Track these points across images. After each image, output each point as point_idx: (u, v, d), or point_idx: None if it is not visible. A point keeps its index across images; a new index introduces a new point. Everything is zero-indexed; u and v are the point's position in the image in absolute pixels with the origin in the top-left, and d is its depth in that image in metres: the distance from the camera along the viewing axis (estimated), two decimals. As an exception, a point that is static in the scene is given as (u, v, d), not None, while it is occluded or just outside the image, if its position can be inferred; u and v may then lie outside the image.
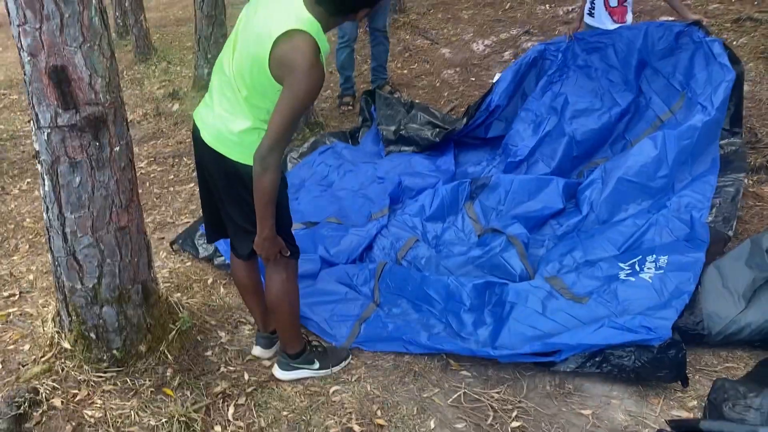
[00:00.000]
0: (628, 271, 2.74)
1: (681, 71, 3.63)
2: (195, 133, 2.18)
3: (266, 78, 1.90)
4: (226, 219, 2.26)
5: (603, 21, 4.01)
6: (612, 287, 2.67)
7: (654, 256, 2.77)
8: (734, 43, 5.00)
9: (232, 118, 2.03)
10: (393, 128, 4.35)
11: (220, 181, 2.14)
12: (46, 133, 2.07)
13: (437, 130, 4.23)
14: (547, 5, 6.67)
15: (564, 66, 4.11)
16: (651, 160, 3.25)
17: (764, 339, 2.47)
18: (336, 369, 2.55)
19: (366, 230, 3.40)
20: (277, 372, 2.51)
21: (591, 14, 4.10)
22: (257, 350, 2.63)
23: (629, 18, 4.00)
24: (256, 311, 2.56)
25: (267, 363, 2.60)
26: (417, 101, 4.81)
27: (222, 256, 3.25)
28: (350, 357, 2.62)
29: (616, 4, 3.96)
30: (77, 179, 2.14)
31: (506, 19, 6.58)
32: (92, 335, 2.38)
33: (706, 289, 2.58)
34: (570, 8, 6.38)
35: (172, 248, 3.48)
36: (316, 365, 2.51)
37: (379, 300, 2.94)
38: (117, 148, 2.20)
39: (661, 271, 2.66)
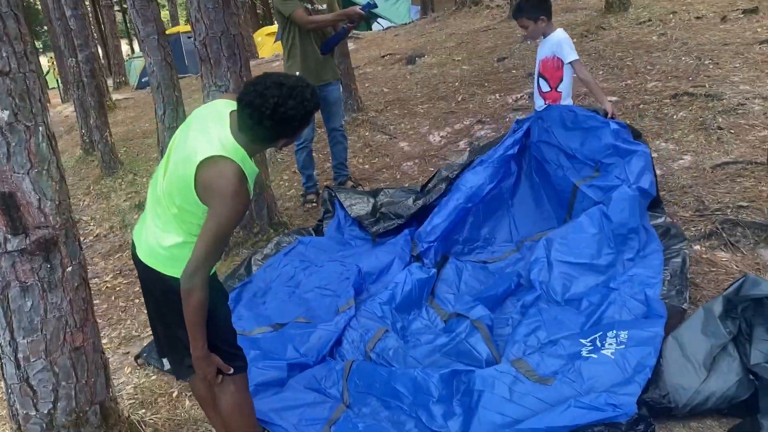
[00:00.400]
0: (590, 348, 2.75)
1: (591, 149, 3.84)
2: (132, 250, 2.22)
3: (193, 198, 1.97)
4: (168, 336, 2.26)
5: (540, 105, 4.24)
6: (576, 366, 2.67)
7: (614, 332, 2.79)
8: (674, 116, 5.27)
9: (163, 234, 2.08)
10: (368, 210, 4.43)
11: (159, 298, 2.15)
12: (-4, 260, 2.09)
13: (413, 197, 4.37)
14: (497, 95, 7.00)
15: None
16: (592, 239, 3.37)
17: (731, 406, 2.47)
18: None
19: (334, 324, 3.40)
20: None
21: (534, 98, 4.35)
22: (222, 464, 2.54)
23: (566, 103, 4.18)
24: (217, 425, 2.50)
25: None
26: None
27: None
28: None
29: (548, 90, 4.19)
30: (29, 303, 2.14)
31: (459, 110, 6.87)
32: (49, 463, 2.30)
33: (668, 361, 2.59)
34: (518, 96, 6.70)
35: (136, 362, 3.42)
36: None
37: (348, 400, 2.90)
38: (69, 269, 2.22)
39: (623, 347, 2.68)
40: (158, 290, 2.15)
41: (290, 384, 3.03)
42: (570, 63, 4.01)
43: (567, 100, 4.14)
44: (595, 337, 2.80)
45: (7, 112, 1.99)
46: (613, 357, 2.64)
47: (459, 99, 7.21)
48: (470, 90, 7.41)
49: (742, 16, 7.80)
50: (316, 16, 4.89)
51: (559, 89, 4.13)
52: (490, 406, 2.60)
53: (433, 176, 4.54)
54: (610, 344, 2.72)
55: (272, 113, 1.91)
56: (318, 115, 5.35)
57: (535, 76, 4.24)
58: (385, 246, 4.20)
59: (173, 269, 2.05)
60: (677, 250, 3.26)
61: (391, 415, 2.77)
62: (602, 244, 3.42)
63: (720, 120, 5.04)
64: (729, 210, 3.84)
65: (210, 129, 1.99)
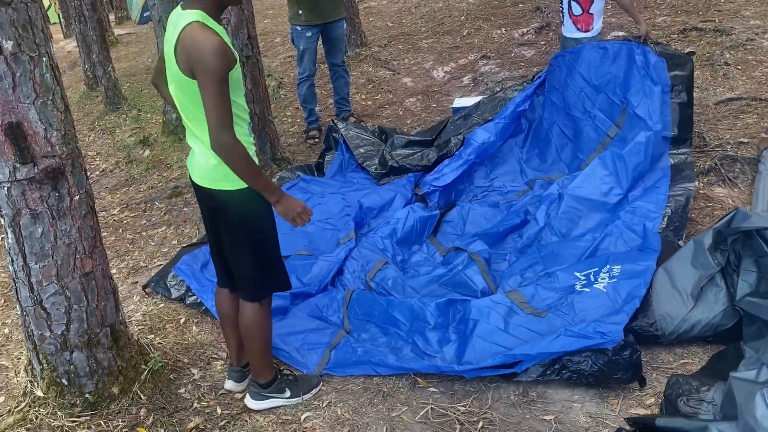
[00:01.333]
0: (584, 282, 2.84)
1: (619, 86, 3.82)
2: (190, 178, 2.34)
3: (191, 87, 2.05)
4: (229, 255, 2.39)
5: (570, 30, 4.23)
6: (569, 300, 2.77)
7: (608, 266, 2.87)
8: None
9: (208, 150, 2.14)
10: (377, 161, 4.42)
11: (217, 217, 2.31)
12: (6, 188, 2.15)
13: (422, 151, 4.36)
14: (502, 29, 6.90)
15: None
16: (604, 180, 3.41)
17: (716, 334, 2.57)
18: (307, 396, 2.61)
19: (335, 255, 3.50)
20: (250, 402, 2.56)
21: (563, 24, 4.30)
22: (229, 384, 2.68)
23: (597, 26, 4.19)
24: (231, 343, 2.62)
25: (239, 396, 2.65)
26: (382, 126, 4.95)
27: (194, 295, 3.32)
28: (321, 384, 2.69)
29: (580, 13, 4.14)
30: (39, 230, 2.22)
31: (464, 45, 6.78)
32: (64, 381, 2.43)
33: (657, 291, 2.68)
34: (524, 30, 6.60)
35: (144, 291, 3.54)
36: (288, 393, 2.57)
37: (349, 327, 3.02)
38: (77, 197, 2.29)
39: (614, 280, 2.76)
40: (214, 208, 2.29)
41: (293, 312, 3.14)
42: None
43: (598, 23, 4.16)
44: (590, 272, 2.87)
45: (11, 42, 2.02)
46: (605, 291, 2.73)
47: (464, 33, 7.11)
48: (476, 24, 7.29)
49: (758, -53, 7.57)
50: None
51: (590, 11, 4.11)
52: (484, 335, 2.70)
53: (444, 126, 4.50)
54: (603, 278, 2.80)
55: None
56: (320, 50, 5.31)
57: (564, 0, 4.18)
58: (387, 185, 4.25)
59: (225, 182, 2.18)
60: (682, 190, 3.31)
61: (389, 340, 2.89)
62: (613, 185, 3.48)
63: (727, 56, 4.99)
64: (729, 146, 3.86)
65: (172, 23, 2.10)
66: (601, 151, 3.76)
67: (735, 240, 2.61)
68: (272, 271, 2.41)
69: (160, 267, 3.79)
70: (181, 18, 2.06)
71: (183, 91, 2.10)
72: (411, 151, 4.38)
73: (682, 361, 2.55)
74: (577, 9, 4.14)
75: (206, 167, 2.20)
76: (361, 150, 4.52)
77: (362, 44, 7.33)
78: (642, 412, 2.34)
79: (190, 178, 2.33)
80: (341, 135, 4.63)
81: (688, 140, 3.64)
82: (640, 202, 3.31)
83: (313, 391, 2.64)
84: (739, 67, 4.82)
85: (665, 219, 3.17)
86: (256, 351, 2.48)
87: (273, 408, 2.56)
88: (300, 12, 4.95)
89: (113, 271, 3.58)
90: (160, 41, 5.71)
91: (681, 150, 3.57)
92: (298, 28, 5.03)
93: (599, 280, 2.81)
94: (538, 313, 2.78)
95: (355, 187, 4.34)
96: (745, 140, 3.92)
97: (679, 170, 3.47)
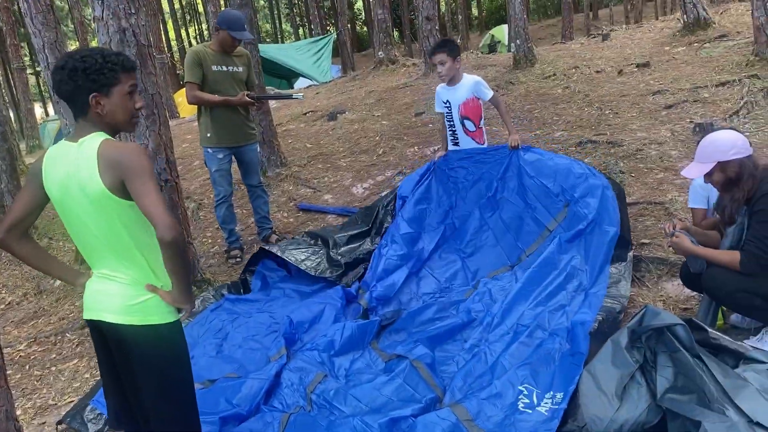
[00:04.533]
0: (527, 401, 2.85)
1: (560, 181, 4.22)
2: (91, 323, 2.24)
3: (119, 205, 2.06)
4: (145, 397, 2.23)
5: (469, 146, 4.60)
6: (511, 420, 2.76)
7: (552, 393, 2.88)
8: (580, 164, 5.63)
9: (129, 281, 2.14)
10: (327, 265, 4.51)
11: (136, 355, 2.17)
12: None
13: (364, 240, 4.69)
14: (415, 147, 7.26)
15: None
16: (548, 273, 3.83)
17: (644, 431, 2.62)
18: None
19: (265, 372, 3.38)
20: None
21: (456, 144, 4.63)
22: None
23: (485, 138, 4.64)
24: None
25: None
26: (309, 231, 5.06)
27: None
28: None
29: (474, 129, 4.50)
30: (-63, 372, 2.05)
31: (380, 162, 7.06)
32: None
33: (584, 393, 2.72)
34: (436, 147, 6.96)
35: (57, 429, 3.28)
36: None
37: (287, 456, 2.87)
38: (-19, 334, 2.15)
39: (557, 406, 2.78)
40: (127, 348, 2.16)
41: (224, 440, 2.97)
42: (490, 100, 4.45)
43: (484, 132, 4.62)
44: (534, 391, 2.90)
45: None
46: (546, 414, 2.75)
47: (380, 152, 7.43)
48: (390, 143, 7.65)
49: (636, 69, 8.48)
50: (203, 94, 4.92)
51: (480, 125, 4.55)
52: (432, 454, 2.64)
53: (376, 213, 4.90)
54: (546, 403, 2.83)
55: (69, 75, 2.05)
56: (237, 171, 5.39)
57: (456, 122, 4.52)
58: (315, 297, 4.23)
59: (155, 317, 2.14)
60: (617, 299, 3.53)
61: (331, 465, 2.76)
62: (554, 277, 3.77)
63: (621, 165, 5.42)
64: (633, 247, 4.11)
65: (65, 154, 2.11)
66: (541, 242, 4.00)
67: (648, 337, 2.72)
68: (191, 415, 2.31)
69: (72, 404, 3.54)
70: (82, 146, 2.07)
71: (104, 215, 2.07)
72: (356, 245, 4.65)
73: (615, 462, 2.56)
74: (471, 126, 4.54)
75: (128, 302, 2.13)
76: (308, 263, 4.54)
77: (282, 164, 7.50)
78: None
79: (90, 318, 2.23)
80: (281, 258, 4.64)
81: (629, 243, 3.93)
82: (583, 308, 3.45)
83: None
84: (633, 174, 5.24)
85: (595, 324, 3.27)
86: None
87: None
88: (209, 135, 5.02)
89: (18, 411, 3.31)
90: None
91: (619, 265, 3.80)
92: (210, 150, 5.06)
93: (542, 404, 2.83)
94: None
95: (281, 302, 4.28)
96: (647, 241, 4.19)
97: (617, 280, 3.69)
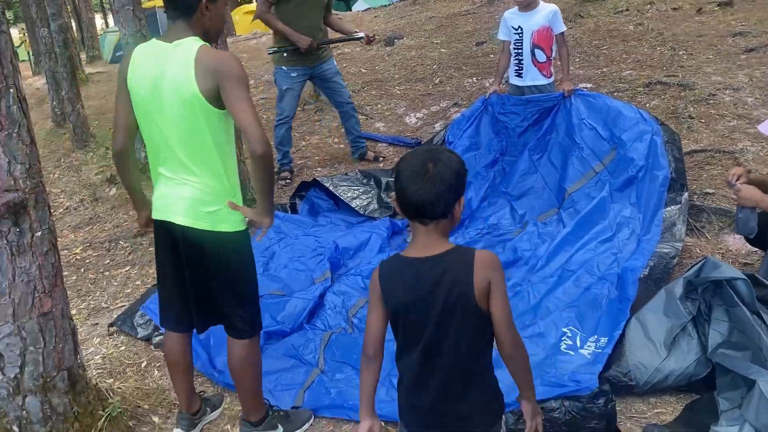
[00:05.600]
0: (569, 343, 2.81)
1: (610, 125, 4.04)
2: (161, 224, 2.27)
3: (205, 113, 2.05)
4: (217, 297, 2.31)
5: (534, 77, 4.36)
6: (552, 360, 2.74)
7: (595, 336, 2.83)
8: (647, 105, 5.35)
9: (202, 186, 2.17)
10: (377, 205, 4.51)
11: (198, 259, 2.22)
12: (-37, 222, 2.06)
13: None
14: (473, 78, 7.03)
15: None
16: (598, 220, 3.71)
17: (689, 383, 2.56)
18: (300, 431, 2.54)
19: (310, 293, 3.44)
20: (243, 441, 2.46)
21: (519, 75, 4.40)
22: (178, 432, 2.57)
23: (552, 72, 4.42)
24: (182, 390, 2.53)
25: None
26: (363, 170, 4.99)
27: (161, 335, 3.20)
28: (313, 418, 2.62)
29: (544, 59, 4.28)
30: (-4, 266, 2.12)
31: (436, 93, 6.88)
32: (15, 428, 2.29)
33: (630, 341, 2.66)
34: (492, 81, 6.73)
35: (108, 331, 3.41)
36: (280, 429, 2.50)
37: (324, 367, 2.94)
38: (38, 233, 2.20)
39: (600, 350, 2.72)
40: (198, 251, 2.20)
41: (267, 351, 3.05)
42: (561, 33, 4.24)
43: (552, 66, 4.40)
44: (578, 334, 2.86)
45: (-24, 73, 1.96)
46: (588, 357, 2.70)
47: (436, 81, 7.22)
48: (448, 73, 7.42)
49: (717, 8, 7.92)
50: (273, 19, 4.85)
51: (552, 57, 4.33)
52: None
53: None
54: (589, 346, 2.77)
55: None
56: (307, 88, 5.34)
57: (525, 50, 4.29)
58: (362, 225, 4.22)
59: (226, 225, 2.19)
60: (671, 244, 3.38)
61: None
62: (606, 225, 3.66)
63: (691, 109, 5.13)
64: (695, 196, 3.92)
65: (161, 52, 2.10)
66: (585, 181, 3.91)
67: (705, 289, 2.62)
68: (258, 307, 2.43)
69: (123, 308, 3.67)
70: (177, 48, 2.07)
71: (193, 117, 2.07)
72: None
73: (656, 410, 2.52)
74: (541, 56, 4.29)
75: (200, 208, 2.17)
76: (358, 201, 4.55)
77: (336, 89, 7.38)
78: (617, 463, 2.29)
79: (160, 218, 2.26)
80: (312, 190, 4.65)
81: (685, 186, 3.72)
82: (635, 255, 3.35)
83: (305, 426, 2.57)
84: (702, 120, 4.96)
85: (647, 269, 3.18)
86: (248, 389, 2.43)
87: (267, 445, 2.45)
88: (285, 55, 4.97)
89: (73, 311, 3.45)
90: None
91: (674, 206, 3.62)
92: (284, 68, 5.03)
93: (585, 347, 2.79)
94: None
95: (328, 228, 4.30)
96: (711, 191, 4.00)
97: (672, 224, 3.52)
